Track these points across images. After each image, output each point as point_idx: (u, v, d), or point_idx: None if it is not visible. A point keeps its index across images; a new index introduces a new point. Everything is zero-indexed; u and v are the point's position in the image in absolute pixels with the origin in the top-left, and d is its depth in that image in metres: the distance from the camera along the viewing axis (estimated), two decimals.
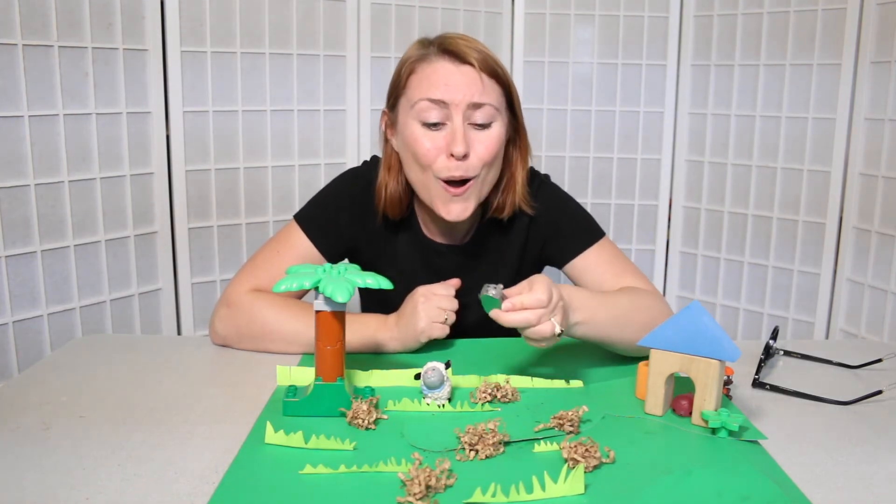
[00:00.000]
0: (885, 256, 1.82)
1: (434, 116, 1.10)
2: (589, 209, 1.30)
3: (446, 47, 1.10)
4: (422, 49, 1.13)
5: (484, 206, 1.23)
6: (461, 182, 1.11)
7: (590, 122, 2.18)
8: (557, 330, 0.95)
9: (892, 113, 1.78)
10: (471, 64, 1.09)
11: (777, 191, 2.03)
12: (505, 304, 0.93)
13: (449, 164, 1.10)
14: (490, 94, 1.10)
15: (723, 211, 2.14)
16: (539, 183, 1.26)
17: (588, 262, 1.22)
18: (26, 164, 1.56)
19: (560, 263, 1.25)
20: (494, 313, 0.94)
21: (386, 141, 1.21)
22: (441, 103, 1.09)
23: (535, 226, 1.25)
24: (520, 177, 1.20)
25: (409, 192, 1.21)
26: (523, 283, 0.97)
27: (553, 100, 2.17)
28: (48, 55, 1.57)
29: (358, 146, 2.05)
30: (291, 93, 1.95)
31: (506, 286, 0.99)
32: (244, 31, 1.86)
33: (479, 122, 1.10)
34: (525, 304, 0.93)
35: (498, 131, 1.12)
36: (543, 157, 2.18)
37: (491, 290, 0.94)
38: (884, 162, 1.80)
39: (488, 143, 1.11)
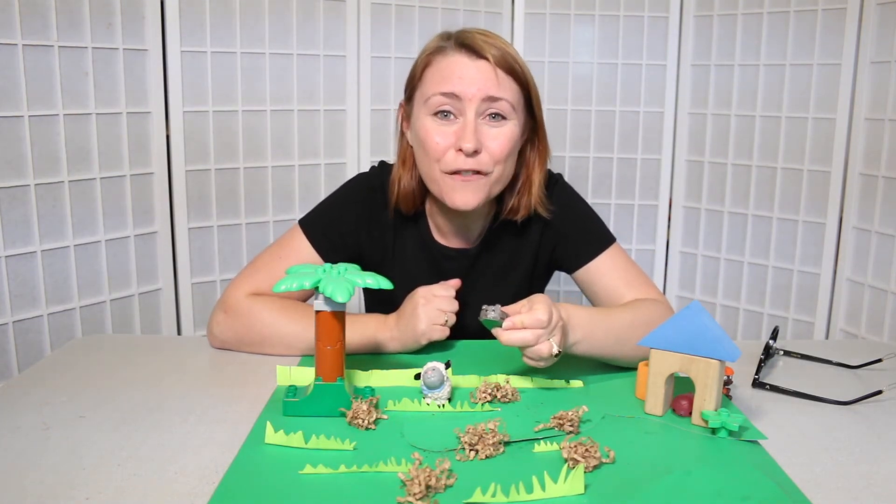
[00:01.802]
0: (885, 256, 1.82)
1: (447, 109, 1.08)
2: None
3: (463, 41, 1.09)
4: (440, 42, 1.11)
5: (497, 208, 1.21)
6: (472, 171, 1.09)
7: (590, 122, 2.18)
8: (555, 350, 0.96)
9: (892, 113, 1.78)
10: (486, 59, 1.07)
11: (777, 191, 2.03)
12: (506, 323, 0.94)
13: (458, 159, 1.08)
14: (505, 89, 1.08)
15: (723, 211, 2.14)
16: (555, 184, 1.24)
17: (599, 269, 1.20)
18: (26, 164, 1.56)
19: (570, 269, 1.24)
20: (495, 332, 0.96)
21: (402, 134, 1.20)
22: (454, 97, 1.07)
23: (548, 229, 1.23)
24: (536, 179, 1.18)
25: (423, 188, 1.19)
26: (523, 302, 0.97)
27: (553, 100, 2.16)
28: (48, 55, 1.57)
29: (358, 146, 2.05)
30: (291, 93, 1.95)
31: (515, 293, 1.00)
32: (244, 32, 1.86)
33: (493, 117, 1.09)
34: (525, 323, 0.94)
35: (512, 129, 1.10)
36: None
37: (490, 313, 0.95)
38: (884, 162, 1.80)
39: (501, 139, 1.09)
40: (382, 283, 0.92)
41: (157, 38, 1.75)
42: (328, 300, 0.89)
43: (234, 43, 1.85)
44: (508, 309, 0.97)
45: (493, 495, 0.74)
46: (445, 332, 1.09)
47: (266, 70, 1.90)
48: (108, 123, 1.70)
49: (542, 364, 0.97)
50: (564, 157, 2.19)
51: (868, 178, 1.86)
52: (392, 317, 1.13)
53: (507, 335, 0.94)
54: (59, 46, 1.59)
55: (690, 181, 2.20)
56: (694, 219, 2.21)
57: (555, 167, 2.21)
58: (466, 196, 1.10)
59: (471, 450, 0.82)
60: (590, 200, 2.20)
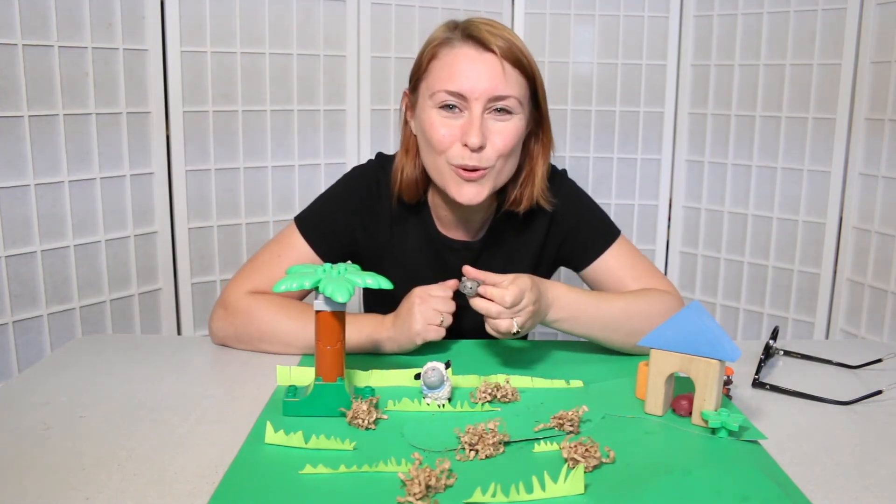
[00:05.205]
0: (885, 256, 1.82)
1: (452, 103, 1.08)
2: None
3: (470, 32, 1.08)
4: (447, 32, 1.11)
5: (500, 200, 1.21)
6: (475, 169, 1.10)
7: (590, 122, 2.18)
8: (514, 329, 1.01)
9: (892, 113, 1.78)
10: (493, 52, 1.06)
11: (777, 190, 2.03)
12: (480, 289, 1.02)
13: (463, 153, 1.08)
14: (512, 85, 1.08)
15: (723, 211, 2.14)
16: (559, 179, 1.25)
17: (608, 265, 1.22)
18: (26, 163, 1.56)
19: (578, 266, 1.25)
20: (470, 299, 1.03)
21: (405, 123, 1.20)
22: (460, 96, 1.07)
23: (554, 224, 1.24)
24: (539, 171, 1.18)
25: (426, 177, 1.18)
26: (510, 277, 1.03)
27: (553, 100, 2.16)
28: (48, 55, 1.57)
29: (358, 146, 2.05)
30: (291, 93, 1.94)
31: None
32: (244, 32, 1.85)
33: (499, 111, 1.09)
34: (493, 297, 1.00)
35: (517, 124, 1.10)
36: None
37: (468, 287, 1.03)
38: (883, 162, 1.80)
39: (505, 134, 1.09)
40: (382, 283, 0.92)
41: (157, 38, 1.75)
42: (328, 300, 0.89)
43: (234, 43, 1.85)
44: (493, 278, 1.03)
45: (493, 495, 0.74)
46: (441, 333, 1.08)
47: (266, 70, 1.90)
48: (108, 123, 1.70)
49: (500, 336, 1.03)
50: (564, 157, 2.19)
51: (868, 179, 1.86)
52: (389, 317, 1.13)
53: (475, 300, 1.02)
54: (59, 46, 1.59)
55: (690, 181, 2.20)
56: (694, 219, 2.21)
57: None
58: (472, 191, 1.10)
59: (471, 450, 0.82)
60: None
